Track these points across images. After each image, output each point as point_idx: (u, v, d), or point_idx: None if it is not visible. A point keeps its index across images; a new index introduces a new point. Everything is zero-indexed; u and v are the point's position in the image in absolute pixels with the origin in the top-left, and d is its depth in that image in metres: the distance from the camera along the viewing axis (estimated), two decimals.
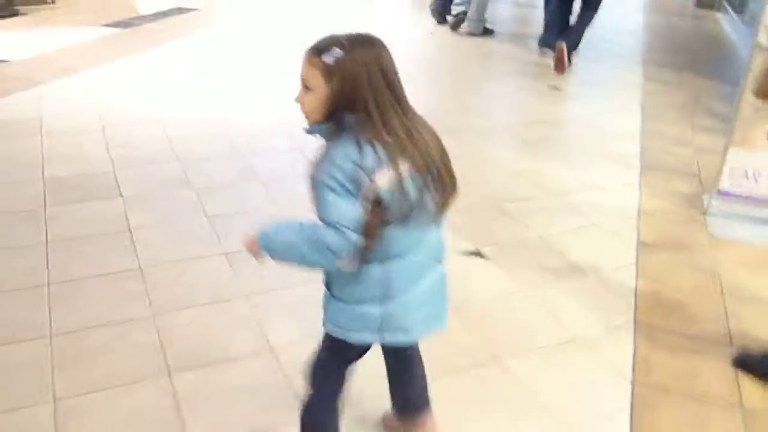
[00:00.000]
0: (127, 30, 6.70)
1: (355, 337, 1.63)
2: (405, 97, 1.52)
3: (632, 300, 2.78)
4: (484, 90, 5.66)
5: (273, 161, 3.86)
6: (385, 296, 1.59)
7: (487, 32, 7.33)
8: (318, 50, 1.46)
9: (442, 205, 1.59)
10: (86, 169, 3.64)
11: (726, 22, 9.11)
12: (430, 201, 1.54)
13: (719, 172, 3.50)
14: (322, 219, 1.47)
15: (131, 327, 2.45)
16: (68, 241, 2.97)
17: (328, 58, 1.44)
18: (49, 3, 7.64)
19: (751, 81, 3.20)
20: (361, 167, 1.43)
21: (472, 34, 7.28)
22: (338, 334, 1.64)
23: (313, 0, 8.34)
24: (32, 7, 7.43)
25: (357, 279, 1.56)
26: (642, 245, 3.22)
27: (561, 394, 2.26)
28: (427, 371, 1.93)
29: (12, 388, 2.14)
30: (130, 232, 3.05)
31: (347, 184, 1.44)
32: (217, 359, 2.32)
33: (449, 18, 7.55)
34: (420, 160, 1.50)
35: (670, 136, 4.70)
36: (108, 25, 6.80)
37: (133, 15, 7.34)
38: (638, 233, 3.33)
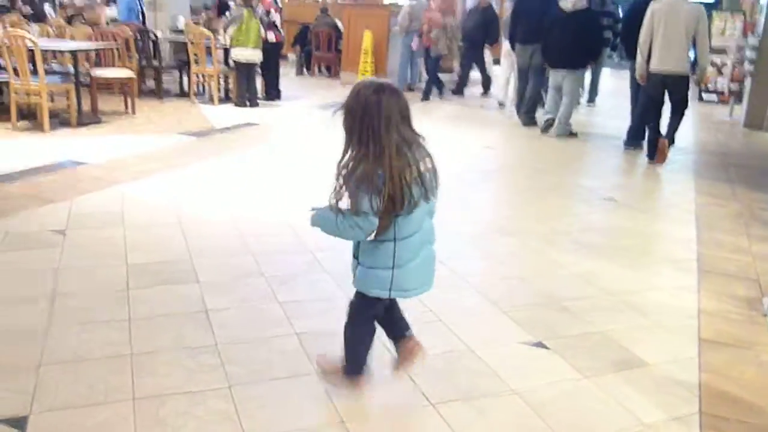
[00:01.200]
0: (201, 139, 7.19)
1: (373, 292, 2.38)
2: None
3: (696, 392, 2.79)
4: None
5: (336, 255, 4.04)
6: (394, 264, 2.32)
7: (572, 135, 8.58)
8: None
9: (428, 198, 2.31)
10: (166, 257, 3.88)
11: None
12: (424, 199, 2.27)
13: None
14: (342, 209, 2.24)
15: (208, 396, 2.57)
16: (149, 319, 3.15)
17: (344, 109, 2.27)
18: (130, 114, 8.26)
19: None
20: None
21: (560, 136, 8.50)
22: (362, 289, 2.41)
23: None
24: (114, 116, 8.06)
25: (377, 250, 2.32)
26: (703, 342, 3.24)
27: None
28: None
29: None
30: (207, 313, 3.22)
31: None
32: (292, 430, 2.41)
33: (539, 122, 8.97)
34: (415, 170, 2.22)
35: (726, 244, 4.76)
36: (183, 134, 7.31)
37: (207, 126, 7.88)
38: (699, 331, 3.36)
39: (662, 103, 7.28)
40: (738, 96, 11.94)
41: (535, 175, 6.59)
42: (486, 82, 12.16)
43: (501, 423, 2.52)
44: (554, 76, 8.65)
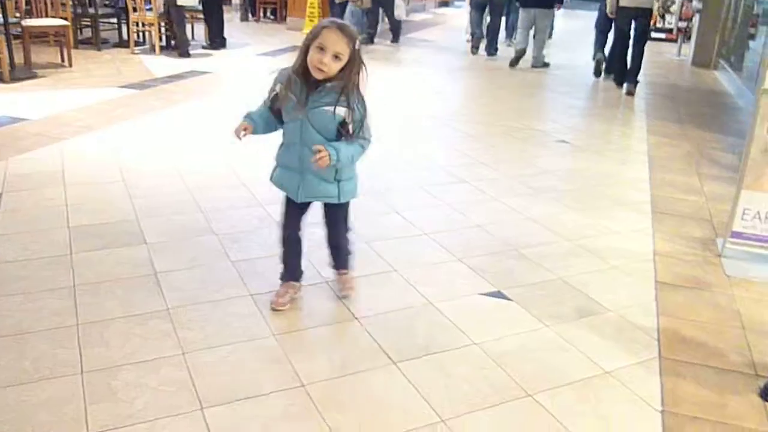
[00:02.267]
0: (144, 91, 6.89)
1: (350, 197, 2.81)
2: None
3: (655, 335, 2.81)
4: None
5: None
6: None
7: (545, 65, 9.79)
8: (352, 36, 2.46)
9: None
10: (110, 217, 3.71)
11: (723, 78, 9.35)
12: None
13: (732, 214, 3.57)
14: (363, 137, 2.60)
15: (161, 364, 2.47)
16: (95, 285, 3.01)
17: (357, 45, 2.48)
18: (66, 67, 7.87)
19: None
20: None
21: (535, 67, 9.65)
22: (351, 197, 2.79)
23: None
24: (50, 70, 7.66)
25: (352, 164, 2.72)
26: (660, 285, 3.27)
27: (593, 425, 2.27)
28: (462, 405, 1.94)
29: (49, 423, 2.16)
30: (156, 276, 3.10)
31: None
32: (250, 395, 2.33)
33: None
34: None
35: (679, 185, 4.80)
36: (124, 86, 7.00)
37: (148, 77, 7.56)
38: (655, 274, 3.38)
39: (629, 35, 8.24)
40: (686, 34, 12.01)
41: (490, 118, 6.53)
42: (394, 29, 11.57)
43: (463, 377, 2.49)
44: (526, 15, 9.47)
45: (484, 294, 3.11)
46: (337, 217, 2.85)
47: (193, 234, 3.53)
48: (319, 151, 2.45)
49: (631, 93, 7.98)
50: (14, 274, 3.06)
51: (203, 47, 9.71)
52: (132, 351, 2.54)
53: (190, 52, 9.01)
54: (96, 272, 3.11)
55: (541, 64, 9.73)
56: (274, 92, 2.60)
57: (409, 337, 2.73)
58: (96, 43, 9.24)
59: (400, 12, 11.25)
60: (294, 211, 2.80)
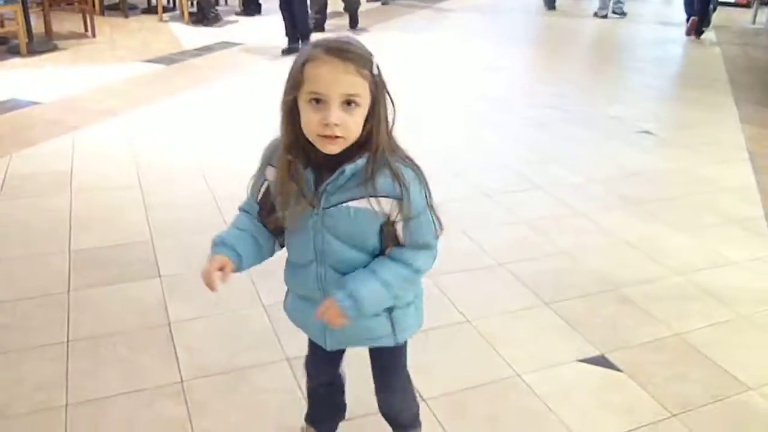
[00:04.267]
0: (170, 67, 6.25)
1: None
2: None
3: None
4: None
5: None
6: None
7: (623, 14, 10.37)
8: (365, 60, 1.31)
9: None
10: (120, 237, 3.09)
11: None
12: None
13: None
14: (426, 243, 1.46)
15: None
16: (93, 340, 2.40)
17: (375, 69, 1.33)
18: (89, 37, 7.26)
19: None
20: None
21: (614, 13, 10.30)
22: (409, 335, 1.63)
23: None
24: (72, 41, 7.06)
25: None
26: None
27: None
28: None
29: None
30: (170, 328, 2.48)
31: None
32: None
33: None
34: None
35: None
36: (150, 61, 6.36)
37: (177, 50, 6.91)
38: None
39: None
40: None
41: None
42: (351, 10, 8.47)
43: None
44: None
45: (584, 360, 2.42)
46: (391, 365, 1.71)
47: None
48: (326, 302, 1.44)
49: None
50: None
51: (236, 14, 9.02)
52: None
53: (222, 17, 8.32)
54: (97, 320, 2.50)
55: (620, 11, 10.34)
56: (263, 183, 1.49)
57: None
58: (123, 9, 8.61)
59: None
60: (322, 358, 1.74)
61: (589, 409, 2.18)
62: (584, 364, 2.40)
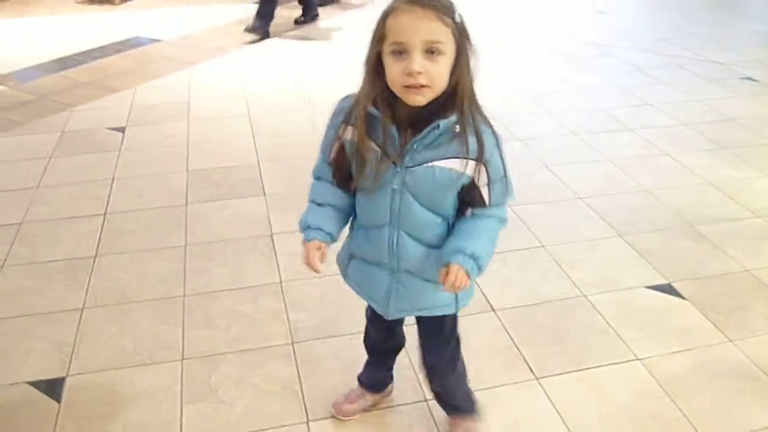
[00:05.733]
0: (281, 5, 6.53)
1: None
2: None
3: None
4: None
5: None
6: None
7: None
8: (447, 8, 1.28)
9: None
10: (230, 160, 3.44)
11: None
12: None
13: None
14: (505, 202, 1.46)
15: (267, 356, 2.17)
16: (207, 245, 2.75)
17: (458, 17, 1.29)
18: None
19: None
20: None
21: None
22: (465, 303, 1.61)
23: None
24: None
25: None
26: None
27: None
28: None
29: (141, 425, 1.93)
30: (272, 239, 2.80)
31: None
32: None
33: None
34: None
35: None
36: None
37: None
38: None
39: None
40: None
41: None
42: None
43: (623, 407, 2.02)
44: None
45: (651, 287, 2.56)
46: (442, 333, 1.70)
47: None
48: (447, 271, 1.39)
49: None
50: (124, 228, 2.86)
51: None
52: (237, 336, 2.26)
53: None
54: (209, 229, 2.86)
55: None
56: (338, 143, 1.45)
57: (555, 344, 2.27)
58: None
59: None
60: (382, 326, 1.77)
61: (647, 329, 2.34)
62: (650, 290, 2.54)
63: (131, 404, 1.99)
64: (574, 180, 3.32)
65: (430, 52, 1.26)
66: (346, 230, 1.58)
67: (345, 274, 1.66)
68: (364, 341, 1.90)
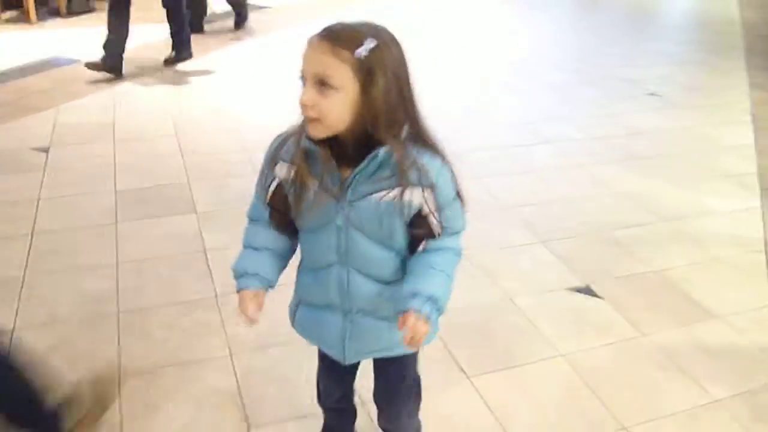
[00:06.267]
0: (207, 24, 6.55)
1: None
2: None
3: None
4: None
5: None
6: None
7: None
8: (348, 41, 1.19)
9: None
10: (159, 179, 3.44)
11: None
12: None
13: None
14: (460, 227, 1.40)
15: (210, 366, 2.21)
16: (138, 263, 2.76)
17: (365, 52, 1.19)
18: None
19: None
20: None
21: None
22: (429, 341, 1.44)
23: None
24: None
25: None
26: None
27: None
28: None
29: None
30: (205, 254, 2.82)
31: None
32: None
33: None
34: None
35: None
36: None
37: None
38: None
39: None
40: None
41: None
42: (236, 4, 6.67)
43: (550, 399, 2.15)
44: None
45: (571, 289, 2.73)
46: (400, 375, 1.61)
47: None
48: (405, 318, 1.31)
49: None
50: (53, 247, 2.83)
51: None
52: (174, 350, 2.28)
53: None
54: (141, 247, 2.86)
55: None
56: (273, 181, 1.37)
57: (484, 345, 2.38)
58: None
59: None
60: (337, 374, 1.66)
61: (569, 326, 2.50)
62: (570, 292, 2.71)
63: None
64: (501, 190, 3.48)
65: (321, 84, 1.19)
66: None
67: (293, 321, 1.56)
68: (318, 399, 1.78)
